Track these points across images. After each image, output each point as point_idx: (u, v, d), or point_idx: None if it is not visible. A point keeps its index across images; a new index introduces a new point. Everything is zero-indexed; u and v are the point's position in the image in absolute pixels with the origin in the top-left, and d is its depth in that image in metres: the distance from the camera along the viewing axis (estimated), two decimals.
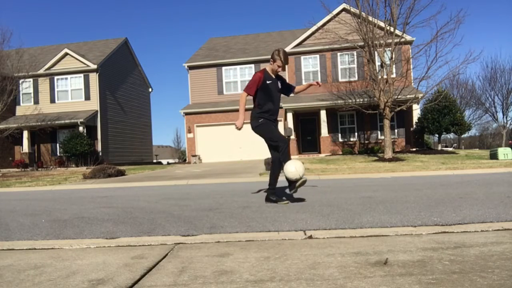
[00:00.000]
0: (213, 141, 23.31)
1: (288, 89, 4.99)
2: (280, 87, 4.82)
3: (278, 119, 5.14)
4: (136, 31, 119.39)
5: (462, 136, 28.91)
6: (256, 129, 4.72)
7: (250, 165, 15.85)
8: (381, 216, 3.61)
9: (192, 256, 2.43)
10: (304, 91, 23.10)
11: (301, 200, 4.97)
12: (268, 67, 4.80)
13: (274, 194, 4.79)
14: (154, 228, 3.53)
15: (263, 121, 4.67)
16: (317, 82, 5.03)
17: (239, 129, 4.58)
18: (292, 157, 14.15)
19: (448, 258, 2.12)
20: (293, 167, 4.38)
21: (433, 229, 2.92)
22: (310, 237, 2.85)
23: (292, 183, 4.52)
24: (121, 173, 14.01)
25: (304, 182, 4.49)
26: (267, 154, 5.24)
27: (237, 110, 4.63)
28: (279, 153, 4.62)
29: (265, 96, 4.68)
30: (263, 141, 4.88)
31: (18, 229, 3.79)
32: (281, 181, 5.03)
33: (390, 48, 16.81)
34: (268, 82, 4.66)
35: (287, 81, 5.22)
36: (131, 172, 15.42)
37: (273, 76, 4.76)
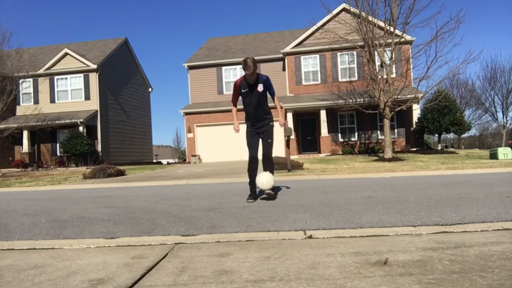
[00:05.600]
0: (213, 141, 23.30)
1: (272, 93, 5.24)
2: (261, 89, 5.08)
3: (275, 119, 5.25)
4: (136, 31, 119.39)
5: (462, 136, 28.92)
6: None
7: None
8: (381, 216, 3.61)
9: (192, 256, 2.43)
10: (304, 92, 23.09)
11: (272, 199, 4.97)
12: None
13: (250, 194, 5.21)
14: (154, 228, 3.53)
15: (246, 129, 5.27)
16: (280, 123, 5.54)
17: (236, 131, 5.29)
18: (292, 157, 14.12)
19: (448, 258, 2.12)
20: (264, 180, 4.97)
21: (433, 229, 2.92)
22: (310, 237, 2.86)
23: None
24: (121, 173, 14.00)
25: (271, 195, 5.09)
26: None
27: (240, 110, 5.00)
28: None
29: (243, 102, 5.19)
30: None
31: (18, 229, 3.79)
32: (284, 181, 5.04)
33: (390, 48, 16.81)
34: (243, 90, 5.10)
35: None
36: (131, 172, 15.42)
37: (251, 83, 5.02)
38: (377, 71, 16.94)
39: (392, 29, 16.68)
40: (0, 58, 21.65)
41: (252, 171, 5.15)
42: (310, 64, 22.91)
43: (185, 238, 3.00)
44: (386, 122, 16.42)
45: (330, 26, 20.12)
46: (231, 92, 5.38)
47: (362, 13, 16.99)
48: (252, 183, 5.18)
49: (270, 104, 5.21)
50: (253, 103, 5.08)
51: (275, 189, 5.48)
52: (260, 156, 5.15)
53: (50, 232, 3.54)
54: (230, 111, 24.00)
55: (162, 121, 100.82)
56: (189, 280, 1.94)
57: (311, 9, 77.68)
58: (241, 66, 22.99)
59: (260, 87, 5.05)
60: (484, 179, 7.31)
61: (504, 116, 37.03)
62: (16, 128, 22.50)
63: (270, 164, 5.19)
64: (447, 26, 15.73)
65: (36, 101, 25.20)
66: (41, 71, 24.68)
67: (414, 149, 20.00)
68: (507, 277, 1.78)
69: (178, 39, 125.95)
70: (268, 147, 5.13)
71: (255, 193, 5.16)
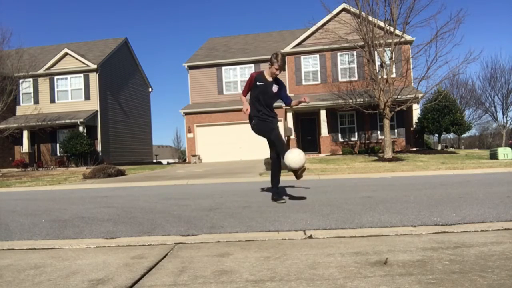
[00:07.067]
0: (213, 141, 23.31)
1: (286, 98, 4.98)
2: (275, 91, 4.85)
3: (278, 118, 5.17)
4: (136, 31, 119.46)
5: (462, 136, 28.92)
6: (252, 128, 4.93)
7: (250, 165, 15.85)
8: (381, 216, 3.61)
9: (192, 256, 2.43)
10: (304, 92, 23.06)
11: (302, 198, 4.98)
12: (266, 70, 4.90)
13: (276, 193, 4.95)
14: (154, 228, 3.53)
15: (255, 121, 4.85)
16: (305, 98, 4.97)
17: (246, 112, 4.74)
18: None
19: (448, 258, 2.12)
20: (294, 156, 4.48)
21: (433, 229, 2.92)
22: (310, 237, 2.85)
23: (294, 172, 4.64)
24: (121, 173, 14.00)
25: (304, 170, 4.63)
26: (267, 154, 5.28)
27: (237, 110, 4.85)
28: (275, 150, 4.80)
29: (254, 97, 4.83)
30: (262, 141, 5.07)
31: (18, 229, 3.79)
32: (283, 181, 5.05)
33: (390, 48, 16.81)
34: (258, 83, 4.78)
35: (287, 88, 5.25)
36: (131, 172, 15.42)
37: (269, 79, 4.83)
38: (377, 71, 16.94)
39: (392, 29, 16.68)
40: (0, 58, 21.65)
41: (275, 164, 4.82)
42: (310, 64, 22.91)
43: (185, 238, 3.00)
44: (386, 122, 16.41)
45: (330, 26, 20.12)
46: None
47: (362, 13, 16.99)
48: (275, 178, 4.89)
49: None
50: (264, 101, 4.81)
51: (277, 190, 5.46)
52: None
53: (50, 232, 3.54)
54: (230, 111, 24.25)
55: (162, 121, 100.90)
56: (189, 280, 1.94)
57: (311, 9, 77.71)
58: (241, 66, 22.69)
59: (275, 88, 4.83)
60: (484, 179, 7.31)
61: (504, 116, 37.06)
62: (16, 128, 22.50)
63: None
64: (447, 26, 15.74)
65: (36, 101, 25.20)
66: (41, 71, 24.68)
67: (414, 149, 20.00)
68: (507, 277, 1.77)
69: (178, 39, 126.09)
70: (278, 139, 4.78)
71: (278, 192, 4.94)
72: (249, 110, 4.74)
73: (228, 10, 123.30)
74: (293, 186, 6.99)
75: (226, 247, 2.64)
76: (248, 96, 4.93)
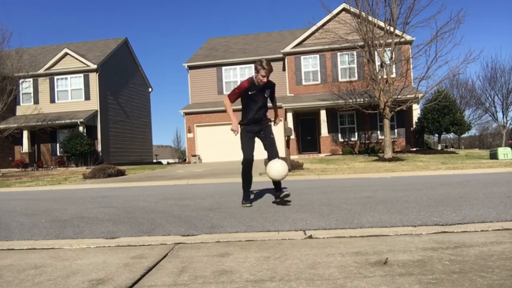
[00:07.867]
0: (213, 141, 23.30)
1: (272, 100, 4.99)
2: (268, 95, 4.81)
3: (279, 118, 5.11)
4: (136, 31, 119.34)
5: (462, 136, 28.92)
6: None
7: None
8: (381, 216, 3.61)
9: (192, 256, 2.43)
10: (304, 92, 23.02)
11: (289, 201, 4.98)
12: (255, 76, 4.74)
13: (244, 197, 4.84)
14: (154, 228, 3.53)
15: (241, 131, 4.79)
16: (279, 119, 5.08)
17: (236, 132, 4.66)
18: (292, 157, 13.99)
19: (448, 258, 2.12)
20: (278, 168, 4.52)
21: (433, 229, 2.92)
22: (310, 237, 2.86)
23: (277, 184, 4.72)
24: (121, 173, 14.00)
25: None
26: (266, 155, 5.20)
27: (236, 110, 4.69)
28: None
29: (247, 105, 4.76)
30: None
31: (18, 229, 3.79)
32: (285, 180, 5.03)
33: (390, 48, 16.81)
34: (250, 92, 4.67)
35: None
36: (131, 172, 15.42)
37: (259, 86, 4.68)
38: (377, 71, 16.94)
39: (392, 29, 16.68)
40: (0, 58, 21.65)
41: (248, 174, 4.81)
42: (310, 64, 22.91)
43: (185, 238, 3.00)
44: (386, 122, 16.41)
45: (330, 26, 20.13)
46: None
47: (362, 13, 17.00)
48: (247, 186, 4.88)
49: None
50: (258, 107, 4.75)
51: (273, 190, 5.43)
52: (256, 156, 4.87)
53: (50, 232, 3.54)
54: None
55: (162, 121, 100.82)
56: (189, 280, 1.94)
57: (311, 9, 77.65)
58: (241, 65, 22.50)
59: (267, 93, 4.80)
60: (484, 179, 7.31)
61: (504, 116, 37.02)
62: (16, 128, 22.49)
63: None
64: (447, 26, 15.75)
65: (36, 101, 25.19)
66: (41, 71, 24.68)
67: (414, 149, 20.00)
68: (507, 277, 1.78)
69: (178, 39, 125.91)
70: (272, 145, 4.78)
71: (249, 197, 4.90)
72: (238, 131, 4.67)
73: (228, 10, 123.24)
74: (292, 186, 6.99)
75: (226, 247, 2.64)
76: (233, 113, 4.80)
